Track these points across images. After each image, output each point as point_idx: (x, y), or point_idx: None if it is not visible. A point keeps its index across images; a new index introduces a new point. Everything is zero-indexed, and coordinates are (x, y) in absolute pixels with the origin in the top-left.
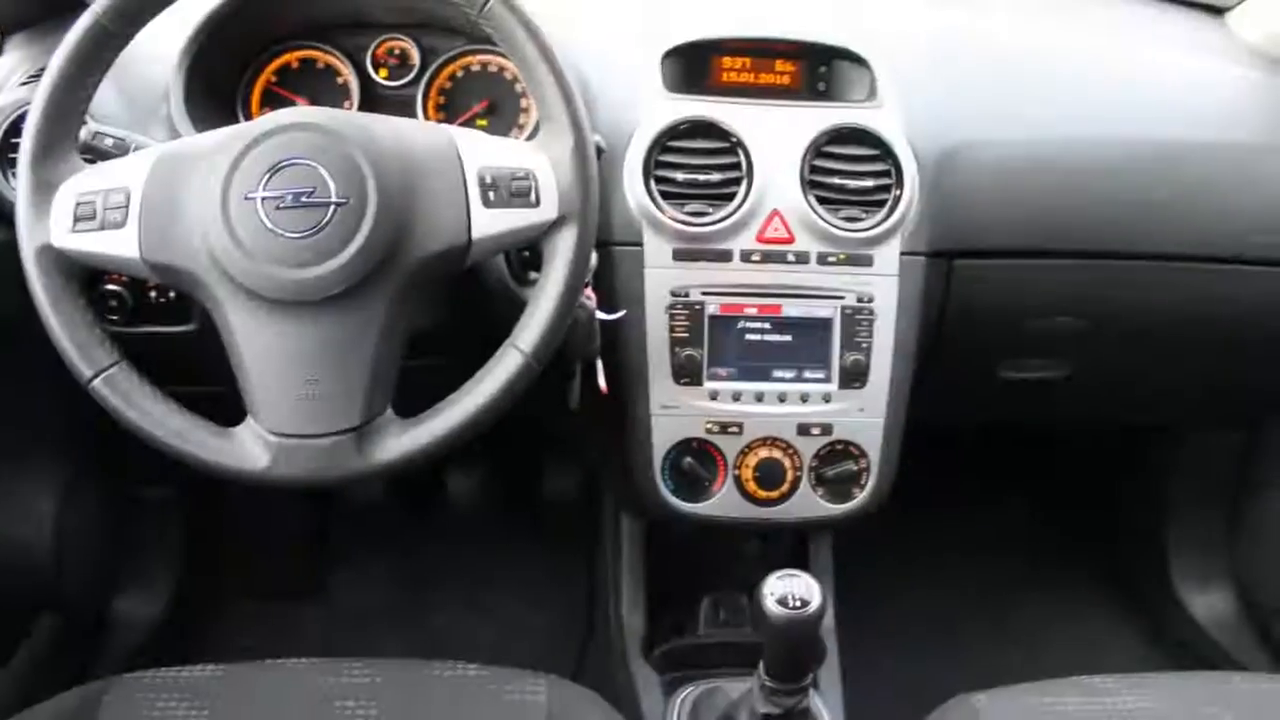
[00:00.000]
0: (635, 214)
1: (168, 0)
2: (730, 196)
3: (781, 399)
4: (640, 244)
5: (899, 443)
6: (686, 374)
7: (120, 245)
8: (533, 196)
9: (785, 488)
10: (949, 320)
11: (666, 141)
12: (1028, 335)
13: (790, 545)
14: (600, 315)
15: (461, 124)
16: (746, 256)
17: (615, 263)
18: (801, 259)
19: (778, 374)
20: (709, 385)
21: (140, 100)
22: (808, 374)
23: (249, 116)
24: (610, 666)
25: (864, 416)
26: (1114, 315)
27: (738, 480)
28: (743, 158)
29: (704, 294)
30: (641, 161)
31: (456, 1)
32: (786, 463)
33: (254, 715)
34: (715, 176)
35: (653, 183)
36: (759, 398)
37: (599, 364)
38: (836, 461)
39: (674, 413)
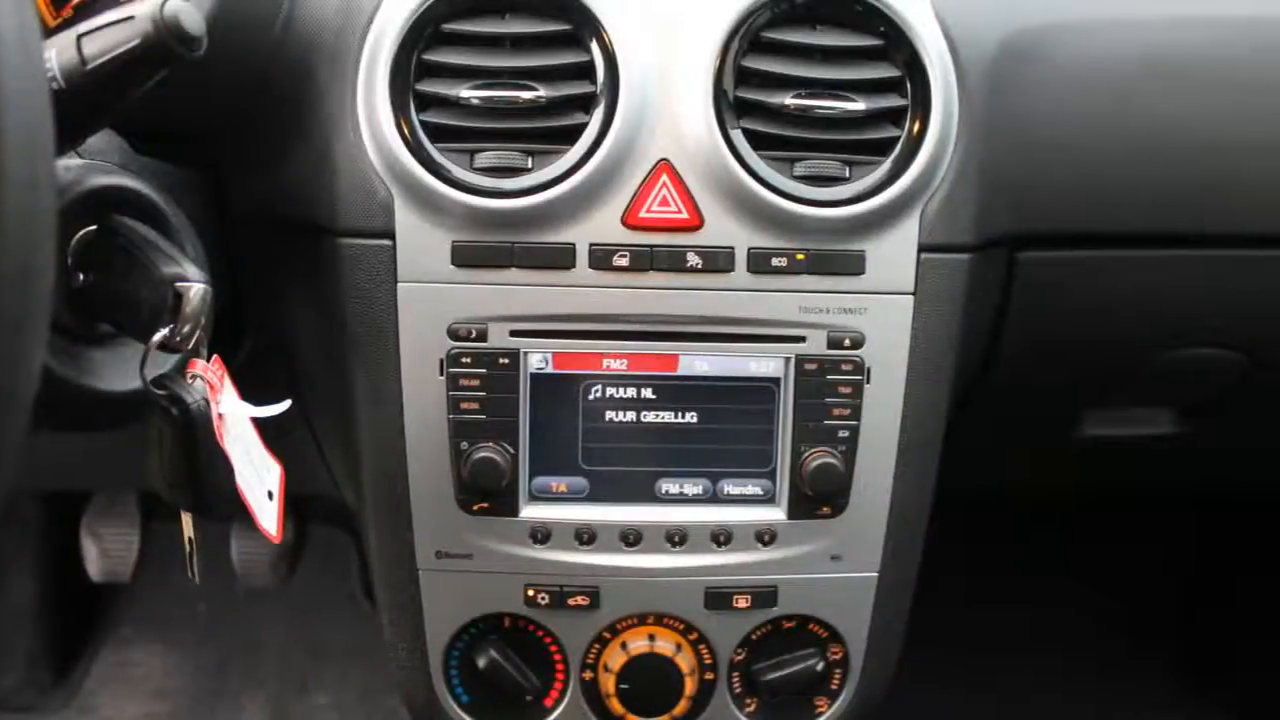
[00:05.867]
0: (379, 171)
1: None
2: (570, 134)
3: (675, 540)
4: (387, 235)
5: (905, 613)
6: (485, 491)
7: None
8: None
9: (684, 706)
10: (1005, 357)
11: (444, 23)
12: (1143, 372)
13: None
14: (250, 410)
15: None
16: (602, 259)
17: (329, 273)
18: (713, 263)
19: (668, 489)
20: (529, 512)
21: None
22: (729, 489)
23: None
24: None
25: (840, 570)
26: None
27: (591, 691)
28: (597, 54)
29: (517, 334)
30: (387, 64)
31: None
32: (685, 660)
33: None
34: (542, 93)
35: (413, 108)
36: (629, 539)
37: (244, 493)
38: (785, 652)
39: (462, 567)
